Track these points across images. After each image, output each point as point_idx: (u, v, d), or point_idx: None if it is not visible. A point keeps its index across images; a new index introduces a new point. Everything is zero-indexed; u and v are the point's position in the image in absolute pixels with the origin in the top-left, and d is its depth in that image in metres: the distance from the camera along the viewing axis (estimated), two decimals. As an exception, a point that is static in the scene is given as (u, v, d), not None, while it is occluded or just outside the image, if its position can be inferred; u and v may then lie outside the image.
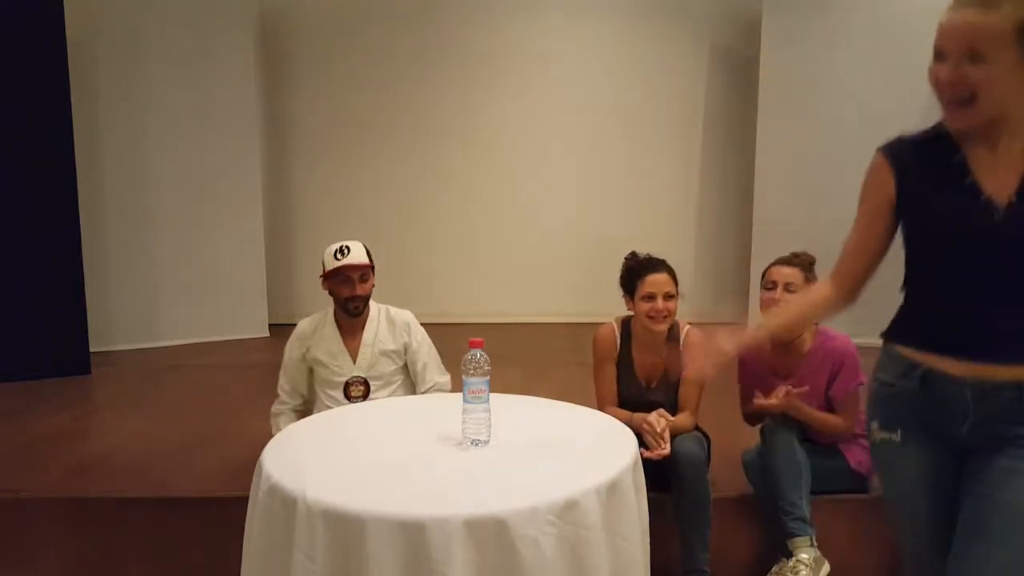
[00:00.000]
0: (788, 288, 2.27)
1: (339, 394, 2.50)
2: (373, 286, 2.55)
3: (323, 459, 1.61)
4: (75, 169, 4.36)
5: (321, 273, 2.55)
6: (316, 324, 2.59)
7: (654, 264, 2.36)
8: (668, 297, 2.30)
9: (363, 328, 2.55)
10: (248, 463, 1.68)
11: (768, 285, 2.33)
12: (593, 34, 6.29)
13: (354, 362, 2.51)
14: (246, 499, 1.60)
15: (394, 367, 2.56)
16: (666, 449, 2.14)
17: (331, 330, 2.54)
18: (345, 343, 2.53)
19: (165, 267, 5.37)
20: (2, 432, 3.25)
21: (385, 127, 6.26)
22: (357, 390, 2.50)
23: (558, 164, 6.36)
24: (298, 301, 6.33)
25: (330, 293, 2.54)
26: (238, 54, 5.50)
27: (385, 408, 2.13)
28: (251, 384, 4.34)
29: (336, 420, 1.96)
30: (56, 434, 3.22)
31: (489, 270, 6.37)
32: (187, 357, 4.98)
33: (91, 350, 4.50)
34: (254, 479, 1.57)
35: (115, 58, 5.08)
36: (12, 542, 2.46)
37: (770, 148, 5.11)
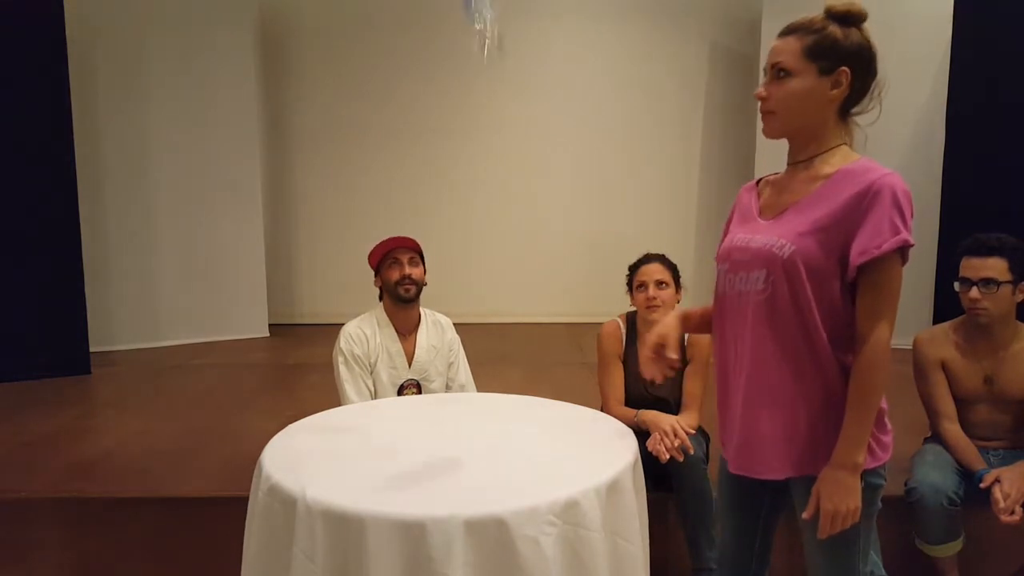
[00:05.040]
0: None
1: (392, 396, 2.48)
2: (424, 275, 2.52)
3: (323, 459, 1.61)
4: (75, 169, 4.36)
5: (371, 266, 2.53)
6: (368, 325, 2.51)
7: (648, 257, 2.42)
8: (660, 285, 2.31)
9: (416, 330, 2.54)
10: (248, 463, 1.68)
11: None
12: (593, 35, 6.29)
13: (409, 365, 2.50)
14: (246, 499, 1.60)
15: (443, 368, 2.57)
16: (679, 455, 2.13)
17: (388, 331, 2.51)
18: (401, 345, 2.51)
19: (165, 267, 5.37)
20: (2, 432, 3.25)
21: (385, 127, 6.27)
22: (411, 392, 2.49)
23: (558, 164, 6.36)
24: (298, 301, 6.34)
25: (382, 286, 2.51)
26: (238, 54, 5.50)
27: (386, 407, 2.12)
28: (251, 384, 4.35)
29: (336, 420, 1.96)
30: (56, 434, 3.22)
31: (489, 270, 6.38)
32: (187, 357, 4.99)
33: (91, 350, 4.51)
34: (254, 479, 1.57)
35: (115, 58, 5.09)
36: (12, 542, 2.46)
37: (770, 148, 5.12)
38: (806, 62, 1.38)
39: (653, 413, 2.24)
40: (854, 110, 1.43)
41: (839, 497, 1.34)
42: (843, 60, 1.37)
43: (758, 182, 1.60)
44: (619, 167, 6.37)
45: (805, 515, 1.39)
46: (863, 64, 1.39)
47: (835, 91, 1.38)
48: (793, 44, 1.39)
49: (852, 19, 1.38)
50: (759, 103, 1.45)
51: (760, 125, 1.46)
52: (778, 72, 1.41)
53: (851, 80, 1.38)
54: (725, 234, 1.61)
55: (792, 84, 1.39)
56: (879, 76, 1.41)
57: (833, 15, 1.39)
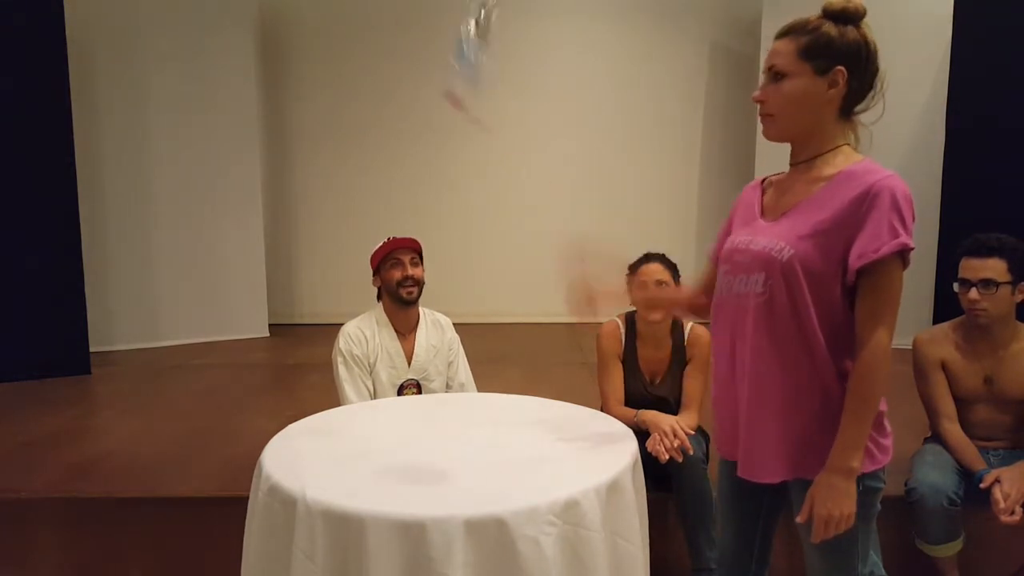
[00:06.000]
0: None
1: (392, 396, 2.47)
2: (423, 275, 2.51)
3: (323, 459, 1.61)
4: (75, 169, 4.36)
5: (372, 266, 2.52)
6: (367, 325, 2.51)
7: (648, 257, 2.41)
8: (660, 285, 2.31)
9: (415, 329, 2.54)
10: (248, 463, 1.68)
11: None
12: (593, 35, 6.29)
13: (409, 364, 2.50)
14: (246, 499, 1.60)
15: (443, 367, 2.56)
16: (679, 456, 2.12)
17: (387, 331, 2.50)
18: (400, 344, 2.50)
19: (165, 267, 5.37)
20: (2, 432, 3.25)
21: (386, 126, 6.27)
22: (411, 392, 2.48)
23: (558, 164, 6.36)
24: (298, 301, 6.34)
25: (383, 287, 2.50)
26: (238, 54, 5.50)
27: (386, 407, 2.12)
28: (251, 384, 4.35)
29: (336, 420, 1.96)
30: (56, 434, 3.22)
31: (489, 270, 6.38)
32: (187, 357, 4.99)
33: (91, 350, 4.51)
34: (254, 479, 1.57)
35: (115, 58, 5.08)
36: (12, 542, 2.47)
37: (770, 148, 5.13)
38: (801, 63, 1.37)
39: (653, 413, 2.24)
40: (857, 108, 1.42)
41: (833, 502, 1.33)
42: (839, 59, 1.35)
43: (763, 181, 1.59)
44: (619, 167, 6.36)
45: (799, 519, 1.39)
46: (860, 62, 1.37)
47: (832, 91, 1.37)
48: (788, 45, 1.38)
49: (848, 17, 1.37)
50: (758, 106, 1.43)
51: (760, 125, 1.46)
52: (774, 74, 1.40)
53: (848, 79, 1.36)
54: (724, 234, 1.60)
55: (788, 86, 1.38)
56: (881, 72, 1.40)
57: (829, 13, 1.37)
